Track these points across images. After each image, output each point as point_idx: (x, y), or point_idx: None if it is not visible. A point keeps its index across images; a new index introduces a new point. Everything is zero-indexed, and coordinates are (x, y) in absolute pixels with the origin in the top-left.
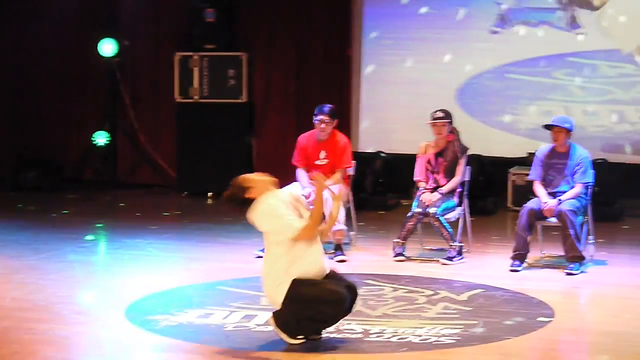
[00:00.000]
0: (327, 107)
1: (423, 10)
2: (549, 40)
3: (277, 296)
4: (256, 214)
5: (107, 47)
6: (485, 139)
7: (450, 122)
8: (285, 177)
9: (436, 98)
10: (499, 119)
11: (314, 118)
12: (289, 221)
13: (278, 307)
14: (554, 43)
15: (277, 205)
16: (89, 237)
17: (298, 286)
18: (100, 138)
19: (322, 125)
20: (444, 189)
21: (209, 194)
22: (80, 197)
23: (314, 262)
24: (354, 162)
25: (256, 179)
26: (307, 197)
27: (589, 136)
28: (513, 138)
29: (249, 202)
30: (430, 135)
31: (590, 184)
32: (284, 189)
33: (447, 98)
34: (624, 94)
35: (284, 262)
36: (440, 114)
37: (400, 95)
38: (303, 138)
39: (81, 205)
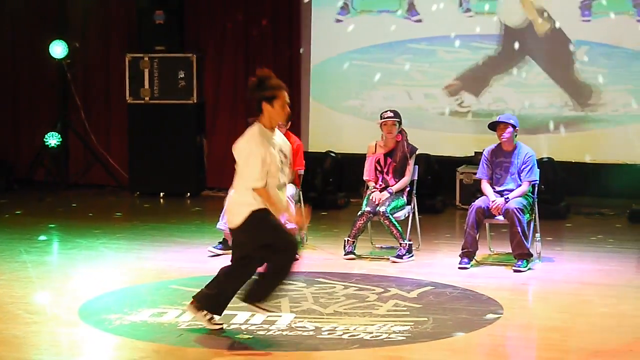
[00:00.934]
0: None
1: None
2: (390, 28)
3: (239, 213)
4: (242, 147)
5: (58, 49)
6: (333, 124)
7: (400, 122)
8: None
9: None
10: (345, 103)
11: None
12: (258, 175)
13: (234, 225)
14: (394, 30)
15: (260, 154)
16: (42, 238)
17: (262, 212)
18: (52, 139)
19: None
20: (394, 188)
21: (161, 194)
22: (32, 198)
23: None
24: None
25: (283, 109)
26: None
27: (430, 117)
28: (360, 122)
29: (261, 99)
30: (378, 135)
31: (537, 182)
32: None
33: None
34: (460, 77)
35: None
36: (390, 114)
37: (346, 95)
38: None
39: (33, 205)
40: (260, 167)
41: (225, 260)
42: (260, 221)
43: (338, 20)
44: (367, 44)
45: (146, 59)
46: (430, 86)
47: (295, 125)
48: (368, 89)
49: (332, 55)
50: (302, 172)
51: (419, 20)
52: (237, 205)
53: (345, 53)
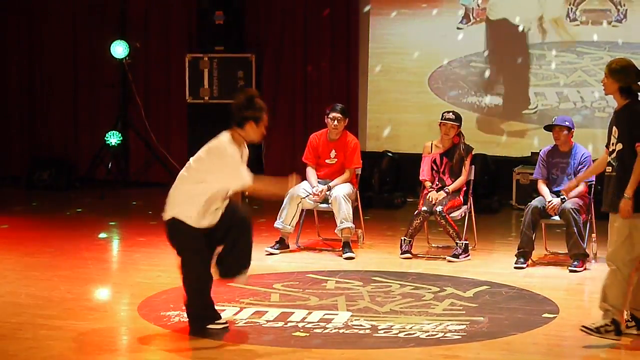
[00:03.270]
0: (339, 106)
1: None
2: (505, 34)
3: (182, 207)
4: (223, 147)
5: (119, 49)
6: (393, 124)
7: (459, 125)
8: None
9: (412, 84)
10: (464, 100)
11: (327, 117)
12: (246, 173)
13: (167, 217)
14: (509, 36)
15: (236, 155)
16: (103, 235)
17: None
18: (113, 138)
19: (335, 123)
20: (450, 188)
21: None
22: (93, 196)
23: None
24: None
25: (263, 130)
26: (315, 195)
27: (539, 113)
28: (476, 116)
29: (247, 117)
30: (435, 135)
31: (593, 182)
32: (293, 187)
33: (420, 84)
34: (566, 78)
35: (205, 198)
36: (451, 116)
37: (404, 94)
38: (315, 136)
39: (94, 203)
40: (243, 167)
41: (282, 259)
42: (186, 235)
43: (459, 28)
44: (484, 48)
45: (206, 59)
46: (539, 85)
47: (353, 125)
48: (485, 88)
49: (454, 57)
50: (359, 171)
51: (529, 29)
52: (184, 196)
53: (466, 56)
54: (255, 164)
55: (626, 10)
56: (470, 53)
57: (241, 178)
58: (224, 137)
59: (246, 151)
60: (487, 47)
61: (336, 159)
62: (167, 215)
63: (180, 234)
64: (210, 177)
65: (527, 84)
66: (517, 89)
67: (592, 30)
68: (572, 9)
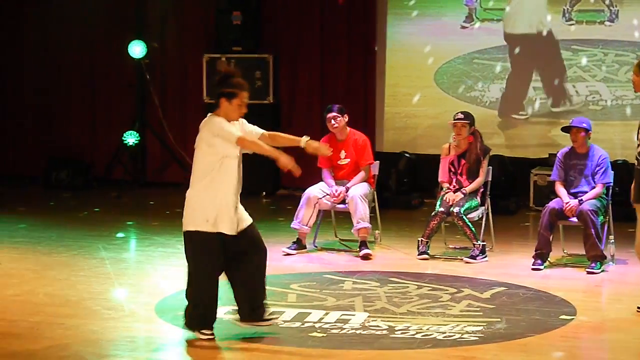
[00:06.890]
0: (335, 106)
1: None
2: (505, 33)
3: (191, 220)
4: (202, 125)
5: (137, 49)
6: (455, 110)
7: (471, 124)
8: (311, 177)
9: (417, 79)
10: (467, 94)
11: (326, 120)
12: (229, 130)
13: (184, 229)
14: (509, 35)
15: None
16: (120, 235)
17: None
18: (130, 138)
19: (333, 122)
20: (467, 189)
21: None
22: (110, 196)
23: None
24: (377, 161)
25: (239, 108)
26: (333, 196)
27: (540, 105)
28: (477, 109)
29: (221, 94)
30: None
31: (611, 184)
32: (310, 188)
33: (426, 79)
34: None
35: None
36: (461, 115)
37: (422, 95)
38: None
39: (112, 203)
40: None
41: (299, 259)
42: (198, 245)
43: (463, 27)
44: (486, 46)
45: (223, 59)
46: (536, 81)
47: (370, 125)
48: (486, 83)
49: (458, 54)
50: (375, 170)
51: (528, 28)
52: (192, 208)
53: (469, 53)
54: (272, 165)
55: (617, 10)
56: (473, 50)
57: (230, 134)
58: (210, 118)
59: (239, 124)
60: (488, 45)
61: (348, 159)
62: (183, 228)
63: (193, 246)
64: (207, 153)
65: (529, 79)
66: (517, 84)
67: (586, 29)
68: (567, 9)
